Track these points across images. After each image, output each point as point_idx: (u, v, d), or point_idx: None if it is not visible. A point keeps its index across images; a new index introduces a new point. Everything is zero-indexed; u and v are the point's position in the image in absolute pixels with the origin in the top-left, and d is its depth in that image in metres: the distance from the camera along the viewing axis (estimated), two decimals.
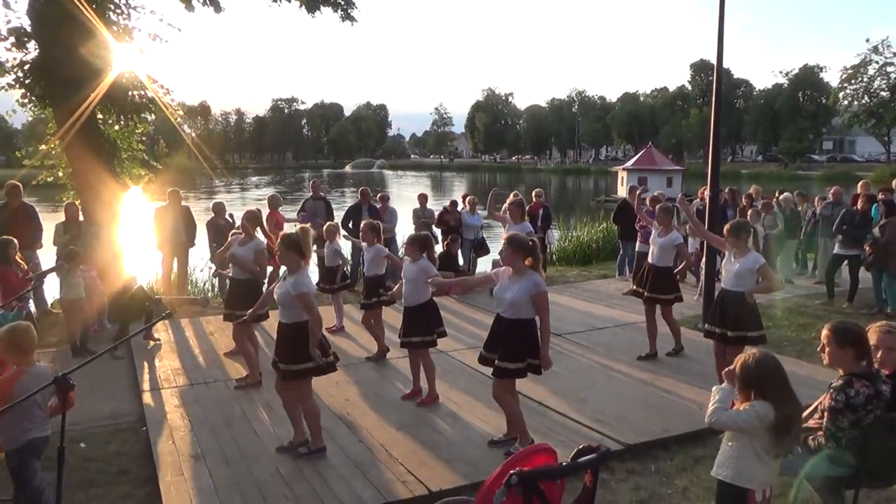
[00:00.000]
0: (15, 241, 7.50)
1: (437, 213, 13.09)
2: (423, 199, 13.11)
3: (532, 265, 5.07)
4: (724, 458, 3.39)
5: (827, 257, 11.30)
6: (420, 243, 6.43)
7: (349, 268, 12.48)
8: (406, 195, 47.29)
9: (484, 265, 12.72)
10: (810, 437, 3.81)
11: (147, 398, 6.66)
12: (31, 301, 8.74)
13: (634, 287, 8.19)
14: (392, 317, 9.19)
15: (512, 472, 2.73)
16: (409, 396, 6.52)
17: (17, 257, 7.50)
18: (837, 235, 10.33)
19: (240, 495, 4.66)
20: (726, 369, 3.48)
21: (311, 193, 12.56)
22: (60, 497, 3.15)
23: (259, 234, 7.36)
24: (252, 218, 7.23)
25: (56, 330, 9.22)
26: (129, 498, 4.77)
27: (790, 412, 3.23)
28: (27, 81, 10.18)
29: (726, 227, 6.24)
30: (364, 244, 7.86)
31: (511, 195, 9.33)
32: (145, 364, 7.75)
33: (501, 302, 5.13)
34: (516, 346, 5.06)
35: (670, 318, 7.86)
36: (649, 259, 7.87)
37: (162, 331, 9.11)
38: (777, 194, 13.04)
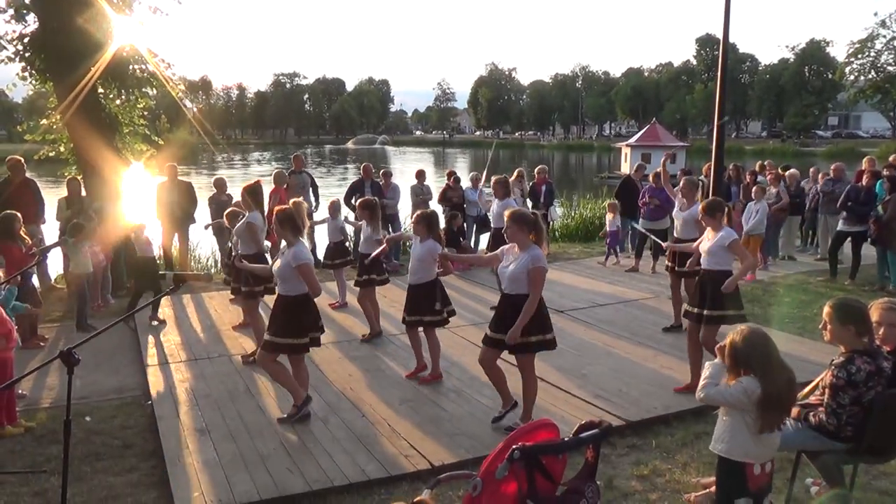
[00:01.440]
0: (19, 215, 7.50)
1: (439, 190, 13.05)
2: (421, 175, 13.05)
3: (535, 240, 5.06)
4: (719, 432, 3.42)
5: (828, 234, 11.27)
6: (427, 221, 6.35)
7: (351, 244, 12.50)
8: (409, 171, 47.15)
9: (487, 241, 12.70)
10: (811, 414, 3.83)
11: (151, 373, 6.71)
12: (34, 275, 8.74)
13: (668, 264, 8.04)
14: (393, 293, 9.23)
15: (514, 446, 2.76)
16: (413, 374, 6.52)
17: (21, 232, 7.52)
18: (841, 212, 10.29)
19: (244, 468, 4.70)
20: (718, 345, 3.49)
21: (293, 167, 12.36)
22: (67, 469, 3.18)
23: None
24: (251, 191, 7.13)
25: (60, 304, 9.28)
26: (135, 471, 4.82)
27: (779, 388, 3.22)
28: (27, 55, 10.10)
29: (701, 205, 6.13)
30: (363, 223, 7.82)
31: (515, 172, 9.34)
32: (149, 339, 7.80)
33: (503, 278, 5.14)
34: (514, 319, 4.99)
35: (690, 291, 7.83)
36: (675, 233, 7.87)
37: (165, 306, 9.15)
38: (782, 170, 12.94)
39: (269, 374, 5.54)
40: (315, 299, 5.41)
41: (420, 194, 12.63)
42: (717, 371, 3.39)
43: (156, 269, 8.70)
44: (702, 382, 3.39)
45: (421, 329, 6.43)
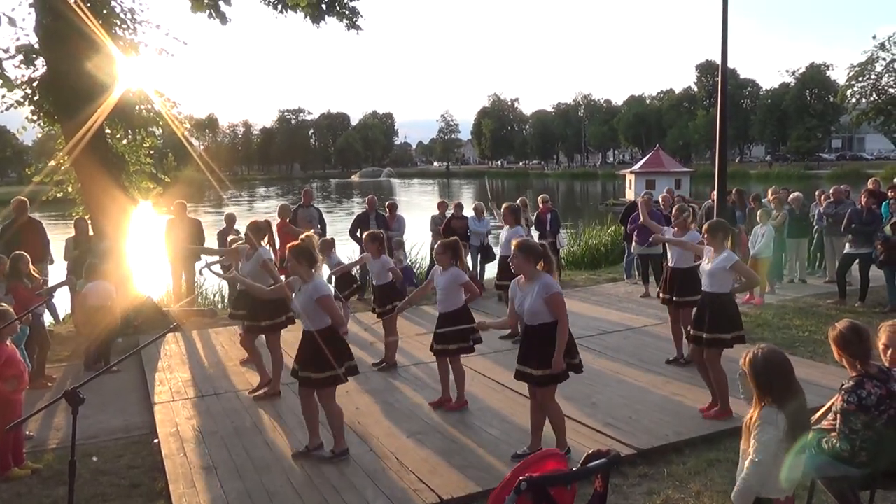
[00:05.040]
0: (27, 255, 7.54)
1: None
2: (442, 206, 13.15)
3: (546, 269, 5.03)
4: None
5: (835, 256, 11.22)
6: (452, 250, 6.43)
7: (358, 274, 12.52)
8: (415, 203, 47.44)
9: (491, 270, 12.71)
10: (824, 440, 3.77)
11: (158, 411, 6.67)
12: (44, 315, 8.73)
13: (660, 293, 7.88)
14: (401, 325, 9.19)
15: (521, 478, 2.72)
16: (437, 404, 6.50)
17: (31, 271, 7.55)
18: (847, 234, 10.25)
19: None
20: (740, 373, 3.46)
21: (301, 202, 12.47)
22: None
23: (265, 244, 7.34)
24: (255, 229, 7.16)
25: (68, 344, 9.28)
26: None
27: (799, 408, 3.22)
28: (36, 98, 10.27)
29: (704, 227, 6.14)
30: (368, 255, 7.90)
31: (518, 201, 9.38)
32: (156, 377, 7.78)
33: (522, 313, 5.08)
34: (548, 352, 4.96)
35: (689, 321, 7.63)
36: (669, 262, 7.64)
37: (172, 343, 9.15)
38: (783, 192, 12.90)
39: (325, 414, 5.42)
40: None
41: (440, 224, 12.72)
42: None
43: (109, 319, 8.44)
44: (739, 485, 3.29)
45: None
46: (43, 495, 5.02)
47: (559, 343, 4.91)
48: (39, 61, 10.22)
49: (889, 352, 3.80)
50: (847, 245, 10.33)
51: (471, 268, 12.58)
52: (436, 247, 6.70)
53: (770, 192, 12.51)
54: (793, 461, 3.23)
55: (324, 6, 11.20)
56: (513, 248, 5.16)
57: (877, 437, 3.59)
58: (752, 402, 3.37)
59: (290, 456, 5.42)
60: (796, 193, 12.38)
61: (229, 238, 9.18)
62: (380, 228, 11.69)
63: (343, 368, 5.27)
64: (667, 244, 7.68)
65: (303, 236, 5.42)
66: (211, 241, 11.64)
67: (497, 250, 12.59)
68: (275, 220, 11.46)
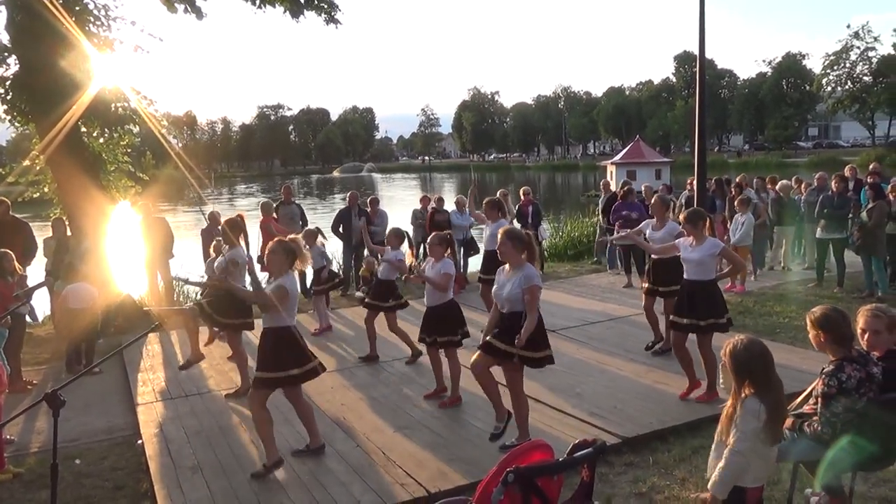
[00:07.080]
0: (10, 253, 7.42)
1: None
2: (425, 200, 13.17)
3: (529, 259, 5.12)
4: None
5: (815, 243, 11.37)
6: (446, 244, 6.48)
7: (341, 269, 12.50)
8: (398, 197, 47.32)
9: (475, 263, 12.72)
10: (806, 424, 3.82)
11: (141, 411, 6.61)
12: (27, 315, 8.57)
13: (644, 283, 7.88)
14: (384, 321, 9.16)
15: (508, 469, 2.73)
16: (432, 395, 6.55)
17: (16, 268, 7.42)
18: (820, 220, 10.38)
19: None
20: (723, 363, 3.48)
21: (282, 199, 12.43)
22: None
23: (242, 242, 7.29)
24: (233, 225, 7.08)
25: (48, 346, 9.16)
26: None
27: (778, 398, 3.24)
28: (9, 97, 10.10)
29: (682, 216, 6.21)
30: (388, 248, 7.86)
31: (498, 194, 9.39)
32: (138, 377, 7.71)
33: (500, 300, 5.18)
34: (513, 335, 5.05)
35: (670, 311, 7.68)
36: (651, 254, 7.68)
37: (154, 343, 9.07)
38: (769, 182, 13.02)
39: (299, 415, 5.38)
40: (293, 328, 5.16)
41: (420, 218, 12.75)
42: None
43: (89, 321, 8.35)
44: (717, 472, 3.29)
45: (442, 351, 6.46)
46: (25, 499, 4.96)
47: (526, 328, 4.98)
48: (12, 59, 10.05)
49: (867, 336, 3.85)
50: (818, 230, 10.45)
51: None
52: (429, 238, 6.68)
53: (738, 179, 12.65)
54: (766, 452, 3.26)
55: (302, 0, 11.10)
56: (500, 235, 5.22)
57: (857, 420, 3.64)
58: (731, 392, 3.40)
59: (290, 454, 5.37)
60: (783, 181, 12.47)
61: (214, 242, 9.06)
62: (362, 224, 11.69)
63: (294, 371, 5.10)
64: (647, 235, 7.76)
65: (290, 238, 5.36)
66: (195, 240, 11.57)
67: (480, 244, 12.62)
68: (258, 218, 11.43)
